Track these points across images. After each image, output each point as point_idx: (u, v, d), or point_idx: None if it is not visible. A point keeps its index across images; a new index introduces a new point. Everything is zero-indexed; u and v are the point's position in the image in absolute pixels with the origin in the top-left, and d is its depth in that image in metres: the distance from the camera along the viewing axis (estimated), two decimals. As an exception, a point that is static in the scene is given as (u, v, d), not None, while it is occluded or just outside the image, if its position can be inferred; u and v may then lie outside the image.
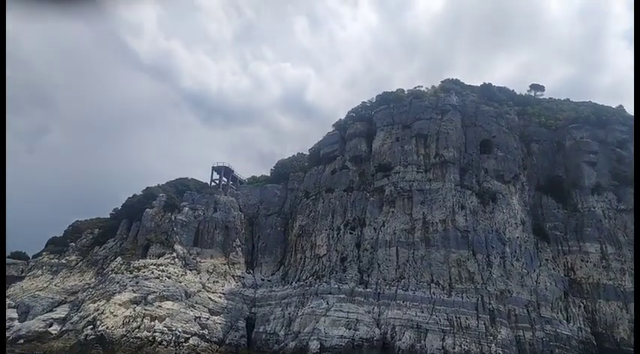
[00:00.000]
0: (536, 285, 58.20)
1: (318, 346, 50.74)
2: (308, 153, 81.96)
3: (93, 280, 63.10)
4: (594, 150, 67.48)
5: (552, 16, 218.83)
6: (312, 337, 51.74)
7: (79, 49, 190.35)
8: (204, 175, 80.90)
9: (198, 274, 63.64)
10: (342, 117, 78.17)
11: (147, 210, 68.68)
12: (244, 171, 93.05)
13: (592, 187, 65.03)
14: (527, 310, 56.11)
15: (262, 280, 68.52)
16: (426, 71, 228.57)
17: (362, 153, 70.49)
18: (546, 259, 61.55)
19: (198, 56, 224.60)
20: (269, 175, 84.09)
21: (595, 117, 71.34)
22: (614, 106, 76.02)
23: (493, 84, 78.62)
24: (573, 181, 66.69)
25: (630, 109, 76.62)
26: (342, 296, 56.13)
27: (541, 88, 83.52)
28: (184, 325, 54.95)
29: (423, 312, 54.32)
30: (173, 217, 68.00)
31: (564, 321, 56.97)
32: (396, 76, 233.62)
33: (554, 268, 61.04)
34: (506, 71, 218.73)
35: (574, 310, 58.52)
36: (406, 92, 74.03)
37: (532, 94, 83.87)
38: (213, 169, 78.14)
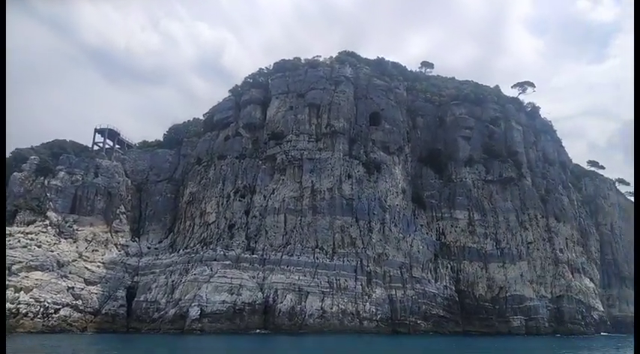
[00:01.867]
0: (410, 248, 63.19)
1: (199, 312, 50.89)
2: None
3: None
4: (470, 125, 73.53)
5: None
6: (192, 304, 51.69)
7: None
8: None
9: (74, 242, 59.74)
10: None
11: (14, 174, 62.31)
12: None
13: (465, 160, 71.17)
14: (401, 271, 60.98)
15: (149, 248, 66.34)
16: (346, 43, 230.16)
17: (256, 120, 69.87)
18: (421, 225, 66.88)
19: (103, 9, 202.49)
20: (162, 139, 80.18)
21: (474, 95, 77.43)
22: (491, 86, 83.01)
23: (401, 60, 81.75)
24: (450, 153, 72.39)
25: (506, 90, 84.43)
26: (227, 263, 56.39)
27: (430, 66, 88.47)
28: (54, 296, 51.73)
29: (305, 276, 56.61)
30: (46, 182, 62.54)
31: (432, 280, 62.87)
32: (316, 46, 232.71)
33: (427, 233, 66.60)
34: (419, 47, 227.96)
35: (442, 270, 64.70)
36: (303, 61, 74.03)
37: (423, 70, 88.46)
38: (96, 131, 72.57)
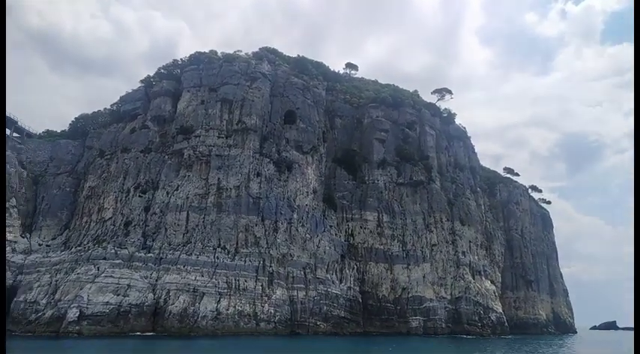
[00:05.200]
0: (316, 249, 62.96)
1: (77, 313, 47.73)
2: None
3: None
4: (385, 128, 74.55)
5: (419, 2, 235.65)
6: (72, 305, 48.43)
7: None
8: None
9: (-52, 237, 54.50)
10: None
11: None
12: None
13: (378, 162, 72.07)
14: (305, 272, 60.60)
15: (40, 245, 61.82)
16: (305, 41, 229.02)
17: (165, 113, 67.10)
18: (331, 226, 66.89)
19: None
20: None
21: (392, 99, 78.62)
22: (410, 91, 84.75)
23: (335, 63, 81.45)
24: (365, 155, 73.08)
25: (425, 96, 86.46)
26: (117, 262, 53.49)
27: (355, 67, 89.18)
28: None
29: (203, 276, 54.83)
30: None
31: (337, 281, 62.99)
32: (275, 43, 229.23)
33: (336, 234, 66.70)
34: (375, 51, 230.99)
35: (348, 271, 65.01)
36: (220, 54, 71.98)
37: (347, 71, 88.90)
38: (-12, 117, 66.84)
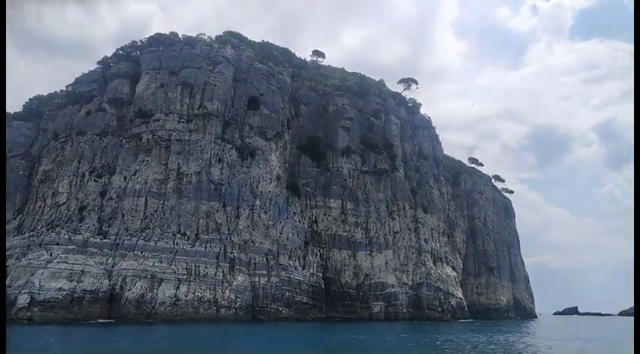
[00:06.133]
0: (279, 235, 62.63)
1: (28, 299, 46.19)
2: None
3: None
4: (350, 117, 74.57)
5: None
6: (22, 291, 46.80)
7: None
8: None
9: None
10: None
11: None
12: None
13: (343, 150, 72.11)
14: (267, 259, 60.27)
15: (-10, 230, 59.32)
16: (280, 30, 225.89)
17: (123, 96, 65.11)
18: (294, 213, 66.63)
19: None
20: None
21: (357, 87, 78.62)
22: (376, 79, 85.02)
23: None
24: (330, 143, 72.98)
25: (392, 85, 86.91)
26: (71, 247, 51.88)
27: (322, 55, 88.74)
28: None
29: (161, 262, 53.82)
30: None
31: (300, 267, 62.95)
32: (249, 30, 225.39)
33: (299, 221, 66.52)
34: (351, 41, 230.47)
35: (311, 258, 65.06)
36: (181, 37, 70.20)
37: (314, 59, 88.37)
38: None
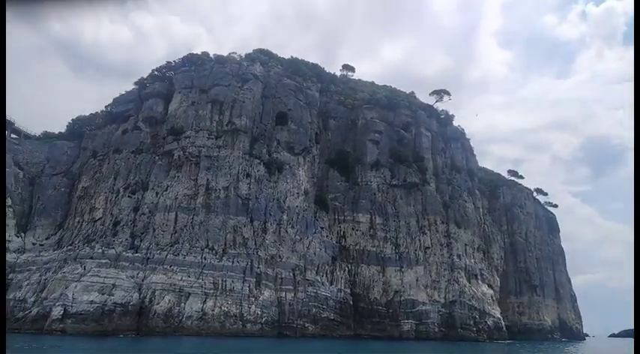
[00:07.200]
0: (306, 250, 62.29)
1: (62, 311, 48.07)
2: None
3: None
4: (379, 130, 73.71)
5: (436, 5, 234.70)
6: (57, 303, 48.85)
7: None
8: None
9: (-58, 236, 55.46)
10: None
11: None
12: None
13: (372, 163, 71.18)
14: (294, 274, 59.95)
15: (34, 244, 62.62)
16: (320, 46, 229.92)
17: (157, 114, 67.55)
18: (322, 227, 66.14)
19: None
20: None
21: (387, 100, 77.78)
22: (406, 92, 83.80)
23: (320, 64, 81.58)
24: (358, 157, 72.31)
25: (422, 97, 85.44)
26: (104, 261, 53.73)
27: (352, 69, 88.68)
28: None
29: (189, 276, 54.71)
30: None
31: (327, 283, 62.13)
32: (290, 47, 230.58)
33: (327, 236, 65.92)
34: (391, 55, 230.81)
35: (339, 273, 64.11)
36: (212, 56, 72.28)
37: (344, 73, 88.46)
38: (-14, 119, 68.20)
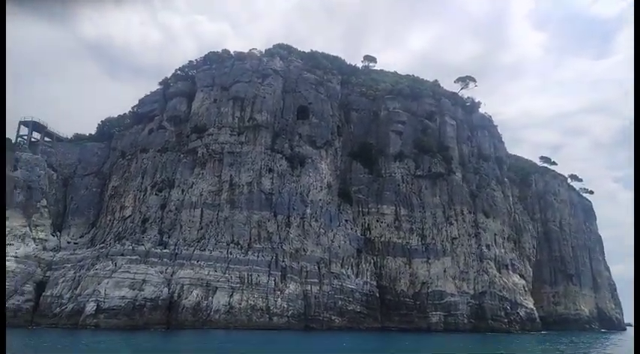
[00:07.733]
0: (331, 243, 62.29)
1: (95, 307, 49.89)
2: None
3: None
4: (403, 120, 72.54)
5: None
6: (90, 299, 50.71)
7: None
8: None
9: (-15, 237, 58.43)
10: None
11: None
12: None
13: (395, 154, 70.20)
14: (319, 267, 60.10)
15: (69, 242, 65.09)
16: (346, 37, 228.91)
17: (181, 113, 68.73)
18: (346, 220, 65.91)
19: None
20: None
21: (409, 89, 76.42)
22: (430, 81, 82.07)
23: (340, 56, 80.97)
24: (381, 148, 71.44)
25: (447, 85, 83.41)
26: (134, 257, 55.33)
27: (373, 60, 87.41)
28: (-51, 291, 50.49)
29: (216, 271, 55.74)
30: (-41, 176, 61.17)
31: (353, 276, 61.98)
32: (316, 40, 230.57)
33: (352, 228, 65.65)
34: (420, 43, 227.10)
35: (364, 266, 63.81)
36: (232, 53, 72.83)
37: (366, 64, 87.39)
38: (21, 123, 71.21)
